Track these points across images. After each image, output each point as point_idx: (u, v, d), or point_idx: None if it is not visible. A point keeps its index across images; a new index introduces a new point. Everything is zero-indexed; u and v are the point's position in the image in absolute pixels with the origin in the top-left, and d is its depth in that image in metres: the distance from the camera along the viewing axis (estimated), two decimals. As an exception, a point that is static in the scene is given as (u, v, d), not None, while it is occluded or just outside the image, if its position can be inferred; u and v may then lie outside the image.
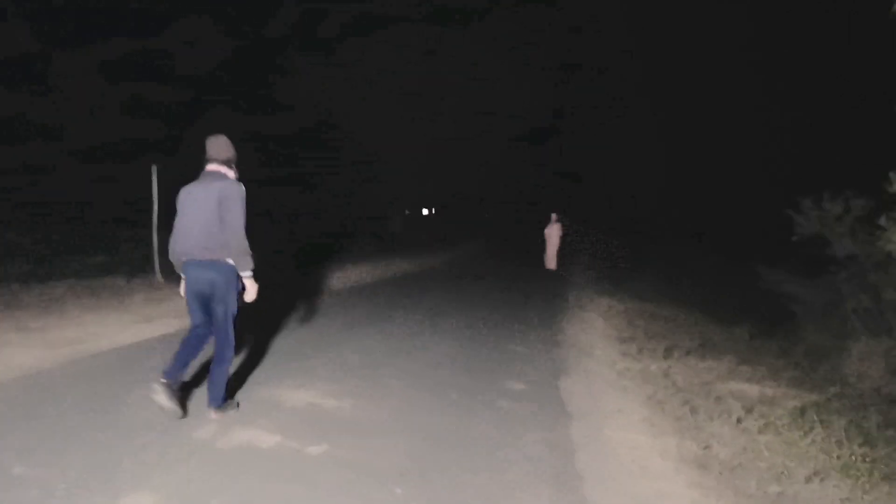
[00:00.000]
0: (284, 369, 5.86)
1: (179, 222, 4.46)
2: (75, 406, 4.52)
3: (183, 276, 4.52)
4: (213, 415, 4.45)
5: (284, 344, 6.83)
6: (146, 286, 9.54)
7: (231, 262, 4.37)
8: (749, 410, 5.66)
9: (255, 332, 7.09)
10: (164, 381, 4.21)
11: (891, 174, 5.41)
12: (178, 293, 4.80)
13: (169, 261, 4.65)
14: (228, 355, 4.50)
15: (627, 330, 9.27)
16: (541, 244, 19.07)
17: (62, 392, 4.83)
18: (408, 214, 32.41)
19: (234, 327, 4.52)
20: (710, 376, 6.94)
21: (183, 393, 4.59)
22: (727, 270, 17.01)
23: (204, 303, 4.47)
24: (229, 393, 4.71)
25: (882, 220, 5.73)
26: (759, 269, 9.33)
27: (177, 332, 7.01)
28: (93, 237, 14.29)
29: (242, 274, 4.42)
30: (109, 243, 13.49)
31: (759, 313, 12.40)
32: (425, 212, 40.84)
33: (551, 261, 18.47)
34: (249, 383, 5.35)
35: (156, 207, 10.20)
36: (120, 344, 6.40)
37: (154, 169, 10.16)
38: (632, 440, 4.82)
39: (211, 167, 4.54)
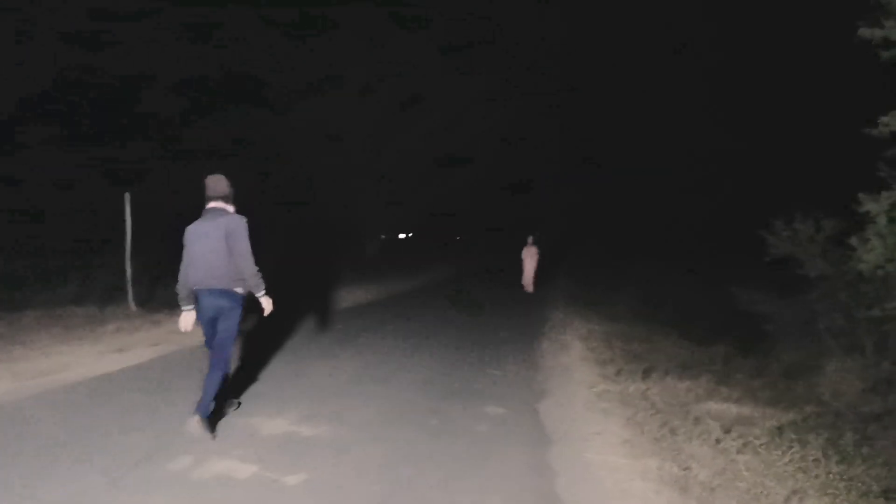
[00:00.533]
0: (259, 397, 5.78)
1: (190, 256, 4.93)
2: (44, 439, 4.42)
3: (189, 305, 5.01)
4: (194, 422, 4.52)
5: (257, 372, 6.76)
6: (119, 315, 9.39)
7: (238, 290, 4.96)
8: (727, 430, 5.67)
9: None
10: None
11: (860, 195, 5.52)
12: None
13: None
14: (223, 368, 4.92)
15: (606, 352, 9.28)
16: (517, 267, 19.13)
17: (31, 425, 4.72)
18: (384, 238, 32.36)
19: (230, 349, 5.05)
20: (689, 397, 6.96)
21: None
22: (702, 291, 17.13)
23: (216, 325, 4.99)
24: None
25: (853, 241, 5.82)
26: (733, 289, 9.41)
27: (149, 361, 6.91)
28: (63, 265, 14.08)
29: (258, 295, 5.01)
30: (80, 271, 13.28)
31: (734, 333, 12.52)
32: (402, 236, 40.88)
33: (528, 283, 18.54)
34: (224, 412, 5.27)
35: (129, 235, 10.07)
36: (91, 375, 6.26)
37: (127, 197, 10.05)
38: (612, 462, 4.80)
39: (212, 204, 5.05)
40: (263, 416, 5.21)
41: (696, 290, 18.13)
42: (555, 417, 5.87)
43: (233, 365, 6.58)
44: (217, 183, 5.06)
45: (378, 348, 8.56)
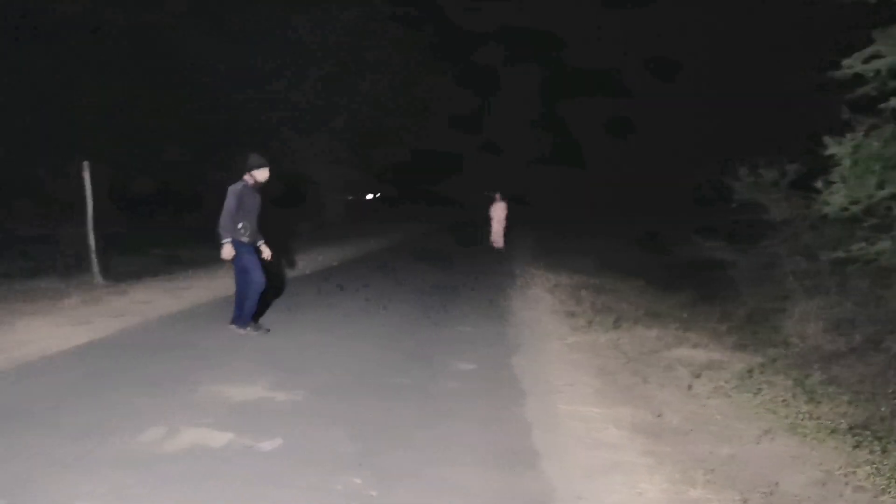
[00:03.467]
0: (228, 364, 5.69)
1: None
2: (7, 416, 4.29)
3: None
4: (239, 331, 6.80)
5: (225, 338, 6.64)
6: (83, 288, 9.13)
7: (243, 238, 6.69)
8: (697, 376, 5.76)
9: (195, 326, 6.90)
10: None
11: (825, 138, 5.53)
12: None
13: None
14: (255, 291, 6.74)
15: (574, 304, 9.35)
16: (485, 223, 19.11)
17: (-7, 402, 4.57)
18: (350, 200, 32.09)
19: (255, 278, 6.69)
20: (658, 345, 7.04)
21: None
22: (667, 242, 17.32)
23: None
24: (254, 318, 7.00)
25: (819, 184, 5.86)
26: (695, 238, 9.47)
27: (115, 332, 6.75)
28: (23, 237, 13.71)
29: (221, 241, 6.56)
30: (42, 243, 12.90)
31: (698, 281, 12.70)
32: (369, 196, 40.53)
33: (498, 239, 18.54)
34: (192, 381, 5.16)
35: (90, 205, 9.76)
36: (56, 349, 6.05)
37: (86, 165, 9.71)
38: (585, 412, 4.83)
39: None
40: (234, 384, 5.12)
41: (661, 241, 18.36)
42: (527, 371, 5.89)
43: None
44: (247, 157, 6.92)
45: (346, 309, 8.50)
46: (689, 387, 5.46)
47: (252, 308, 6.81)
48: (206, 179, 19.21)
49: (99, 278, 9.64)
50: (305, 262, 13.54)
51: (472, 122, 39.41)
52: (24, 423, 4.17)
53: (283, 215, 24.58)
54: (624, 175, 47.58)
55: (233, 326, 6.81)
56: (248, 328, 6.85)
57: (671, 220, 22.94)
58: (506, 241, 18.68)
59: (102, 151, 15.37)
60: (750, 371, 5.93)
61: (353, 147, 26.07)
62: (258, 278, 6.70)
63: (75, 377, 5.15)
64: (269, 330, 6.95)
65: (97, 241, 9.91)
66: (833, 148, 5.51)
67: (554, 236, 24.66)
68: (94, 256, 9.70)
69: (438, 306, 8.92)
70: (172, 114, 19.44)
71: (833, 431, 4.49)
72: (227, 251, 6.57)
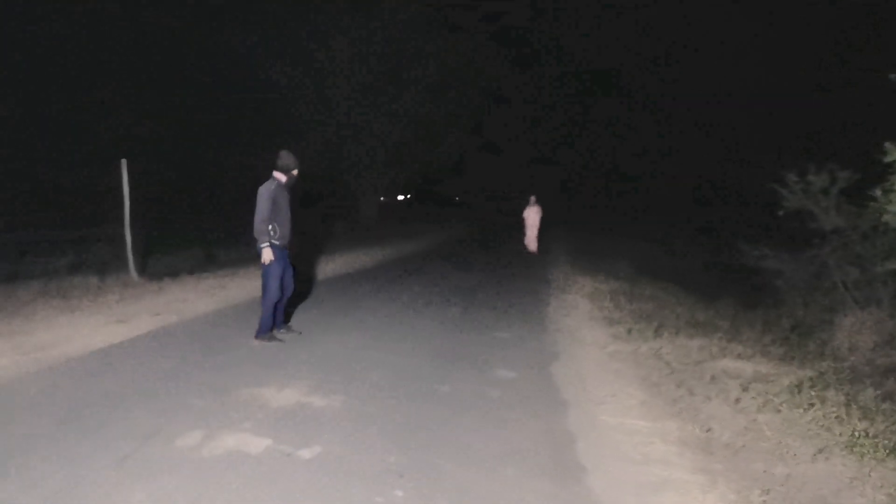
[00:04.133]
0: (263, 366, 5.65)
1: None
2: (49, 415, 4.29)
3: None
4: (254, 342, 6.45)
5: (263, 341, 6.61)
6: (120, 285, 9.21)
7: (274, 241, 6.39)
8: (745, 389, 5.56)
9: (232, 327, 6.89)
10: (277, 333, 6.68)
11: (887, 144, 5.31)
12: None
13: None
14: (267, 301, 6.45)
15: (614, 311, 9.16)
16: (519, 227, 18.95)
17: (34, 401, 4.58)
18: (383, 201, 32.10)
19: (270, 286, 6.43)
20: (702, 355, 6.84)
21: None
22: (708, 248, 17.02)
23: None
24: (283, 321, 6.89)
25: (877, 192, 5.63)
26: (740, 245, 9.23)
27: (152, 331, 6.77)
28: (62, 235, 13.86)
29: (259, 246, 6.34)
30: (81, 241, 13.05)
31: (741, 289, 12.42)
32: (401, 197, 40.58)
33: (531, 243, 18.37)
34: (229, 384, 5.13)
35: (127, 203, 9.84)
36: (93, 347, 6.10)
37: (123, 163, 9.80)
38: (631, 426, 4.69)
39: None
40: (273, 387, 5.07)
41: (703, 247, 18.04)
42: (568, 380, 5.75)
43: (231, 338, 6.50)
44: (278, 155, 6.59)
45: (383, 313, 8.42)
46: (737, 400, 5.27)
47: (267, 321, 6.51)
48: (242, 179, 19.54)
49: (135, 275, 9.70)
50: (340, 264, 13.54)
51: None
52: (65, 425, 4.15)
53: (317, 214, 24.99)
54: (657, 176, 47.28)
55: (255, 342, 6.45)
56: (281, 330, 6.74)
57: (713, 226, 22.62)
58: (539, 245, 18.49)
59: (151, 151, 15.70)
60: (799, 385, 5.71)
61: (389, 151, 26.13)
62: (273, 287, 6.42)
63: (111, 379, 5.15)
64: (300, 333, 6.86)
65: (134, 239, 9.99)
66: (894, 154, 5.29)
67: (583, 237, 24.38)
68: (130, 254, 9.76)
69: (474, 311, 8.81)
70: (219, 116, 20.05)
71: (892, 451, 4.28)
72: (268, 255, 6.33)
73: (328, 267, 12.81)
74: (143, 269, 10.13)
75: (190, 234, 16.29)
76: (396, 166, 27.31)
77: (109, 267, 10.42)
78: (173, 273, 10.69)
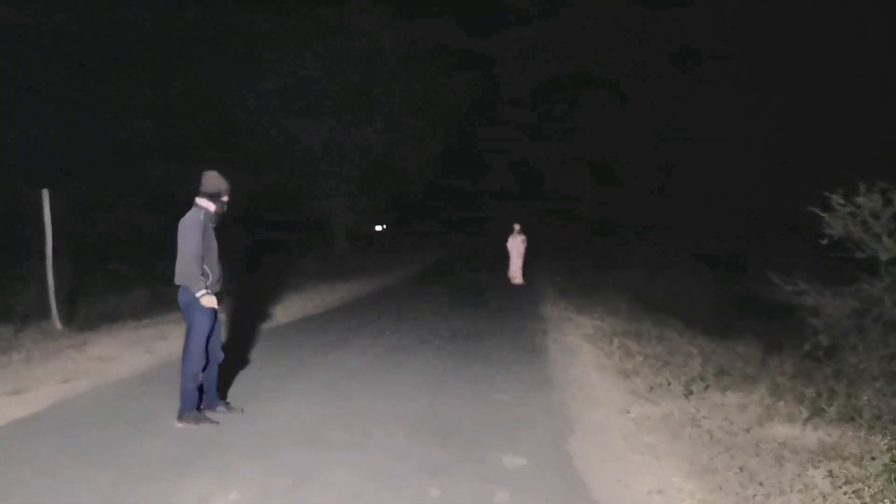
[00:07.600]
0: (190, 464, 4.20)
1: None
2: None
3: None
4: (176, 424, 4.85)
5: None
6: (37, 337, 7.68)
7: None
8: (826, 473, 4.24)
9: (160, 397, 5.42)
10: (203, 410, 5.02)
11: None
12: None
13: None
14: (191, 369, 4.84)
15: (624, 358, 7.82)
16: (503, 257, 17.61)
17: None
18: (359, 232, 30.77)
19: (206, 344, 4.93)
20: (746, 418, 5.55)
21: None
22: (715, 277, 15.86)
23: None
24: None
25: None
26: (771, 276, 7.95)
27: (51, 406, 5.25)
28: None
29: (197, 295, 4.77)
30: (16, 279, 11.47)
31: (752, 326, 11.21)
32: (378, 228, 39.28)
33: (517, 275, 17.03)
34: (131, 497, 3.68)
35: (49, 240, 8.37)
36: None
37: (45, 193, 8.33)
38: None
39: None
40: (192, 497, 3.65)
41: (707, 276, 16.88)
42: (593, 465, 4.40)
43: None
44: (204, 178, 5.02)
45: (352, 370, 7.00)
46: (825, 497, 3.93)
47: (191, 394, 4.88)
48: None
49: (58, 324, 8.19)
50: (307, 303, 12.11)
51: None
52: None
53: (286, 246, 23.77)
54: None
55: (180, 425, 4.86)
56: (218, 408, 5.16)
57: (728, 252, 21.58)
58: (525, 277, 17.17)
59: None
60: (892, 464, 4.41)
61: (363, 180, 25.14)
62: (199, 350, 4.88)
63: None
64: (242, 410, 5.26)
65: (68, 278, 8.54)
66: None
67: (572, 266, 23.11)
68: (52, 299, 8.26)
69: (463, 363, 7.40)
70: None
71: None
72: (211, 300, 4.84)
73: (291, 308, 11.38)
74: (72, 316, 8.62)
75: (144, 268, 14.77)
76: (369, 193, 26.25)
77: (36, 314, 8.88)
78: (112, 318, 9.19)
